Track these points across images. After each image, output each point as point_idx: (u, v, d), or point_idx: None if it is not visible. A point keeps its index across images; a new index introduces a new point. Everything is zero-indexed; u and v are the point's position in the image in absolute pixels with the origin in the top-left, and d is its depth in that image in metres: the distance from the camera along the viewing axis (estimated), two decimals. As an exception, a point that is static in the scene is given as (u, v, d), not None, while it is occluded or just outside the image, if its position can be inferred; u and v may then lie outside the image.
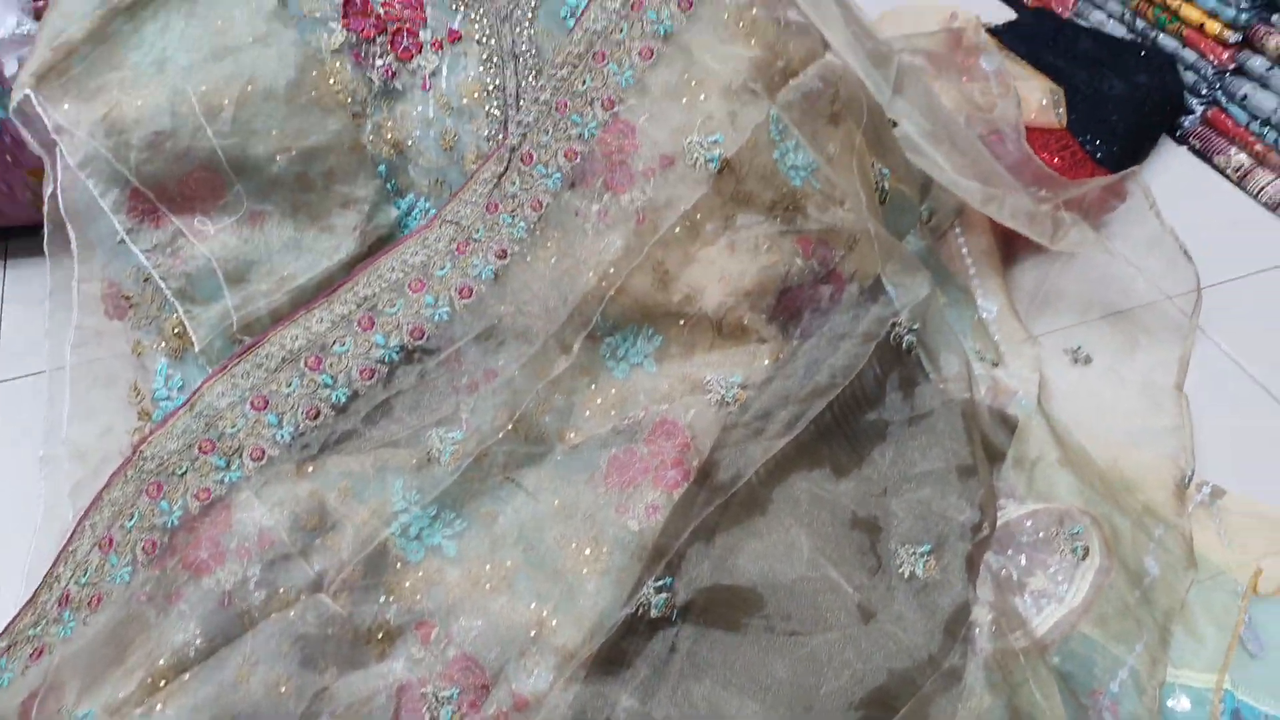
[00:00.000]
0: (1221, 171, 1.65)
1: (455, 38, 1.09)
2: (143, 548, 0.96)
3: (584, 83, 1.10)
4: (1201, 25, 1.66)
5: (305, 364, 1.03)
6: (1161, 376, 1.27)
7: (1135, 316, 1.36)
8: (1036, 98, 1.59)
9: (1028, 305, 1.38)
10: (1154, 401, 1.25)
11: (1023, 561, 1.04)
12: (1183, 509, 1.13)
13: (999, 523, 1.05)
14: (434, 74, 1.08)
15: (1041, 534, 1.06)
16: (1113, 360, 1.31)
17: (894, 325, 1.08)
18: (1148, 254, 1.38)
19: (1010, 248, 1.42)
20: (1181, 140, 1.71)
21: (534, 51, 1.12)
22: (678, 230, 1.08)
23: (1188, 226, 1.48)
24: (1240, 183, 1.63)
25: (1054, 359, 1.31)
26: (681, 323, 1.11)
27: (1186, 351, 1.28)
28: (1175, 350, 1.29)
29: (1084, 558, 1.03)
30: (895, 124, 1.28)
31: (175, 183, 1.03)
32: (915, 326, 1.08)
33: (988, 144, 1.42)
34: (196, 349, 1.06)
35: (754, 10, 1.08)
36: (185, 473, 0.98)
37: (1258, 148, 1.61)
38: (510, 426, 1.05)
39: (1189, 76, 1.70)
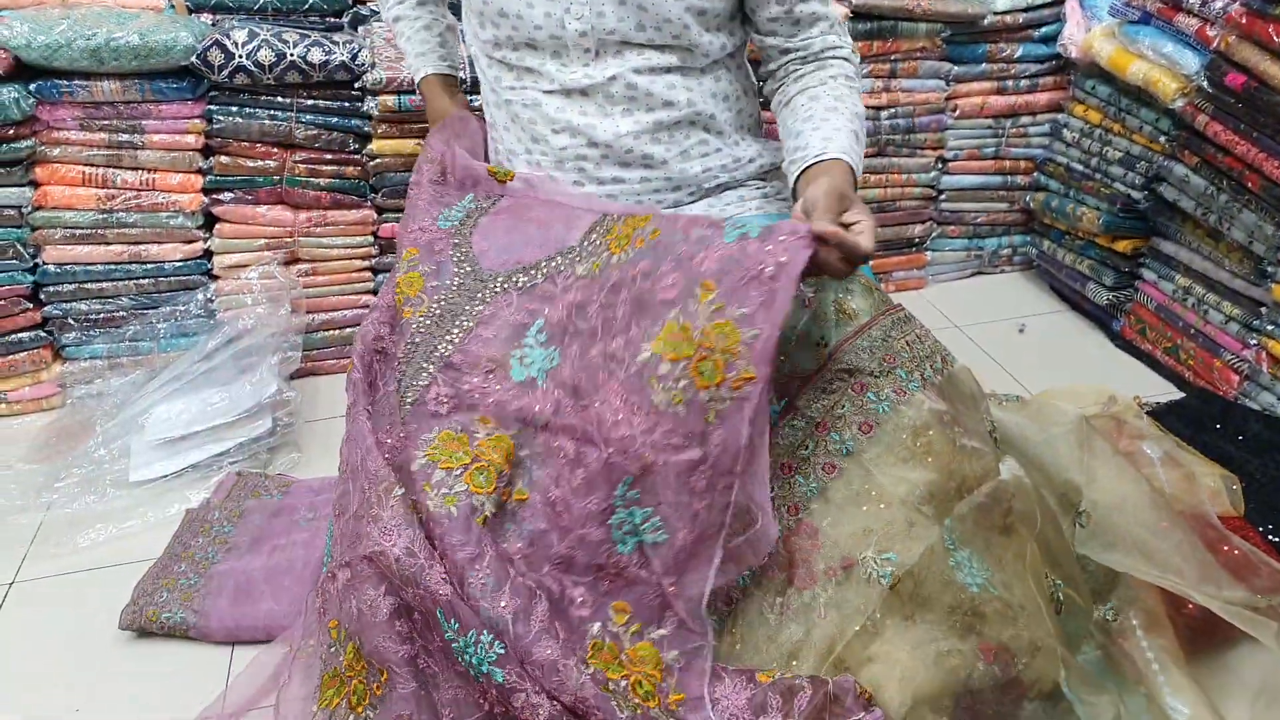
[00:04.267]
0: None
1: None
2: None
3: (772, 490, 1.23)
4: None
5: None
6: None
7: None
8: (1209, 484, 1.61)
9: (1251, 705, 1.32)
10: None
11: None
12: None
13: None
14: None
15: None
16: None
17: (1081, 747, 1.08)
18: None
19: (1210, 639, 1.39)
20: (1376, 528, 1.66)
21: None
22: (857, 629, 1.14)
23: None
24: None
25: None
26: None
27: None
28: None
29: None
30: (1084, 513, 1.34)
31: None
32: (1105, 750, 1.08)
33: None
34: None
35: (930, 432, 1.20)
36: None
37: None
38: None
39: (1373, 464, 1.69)
